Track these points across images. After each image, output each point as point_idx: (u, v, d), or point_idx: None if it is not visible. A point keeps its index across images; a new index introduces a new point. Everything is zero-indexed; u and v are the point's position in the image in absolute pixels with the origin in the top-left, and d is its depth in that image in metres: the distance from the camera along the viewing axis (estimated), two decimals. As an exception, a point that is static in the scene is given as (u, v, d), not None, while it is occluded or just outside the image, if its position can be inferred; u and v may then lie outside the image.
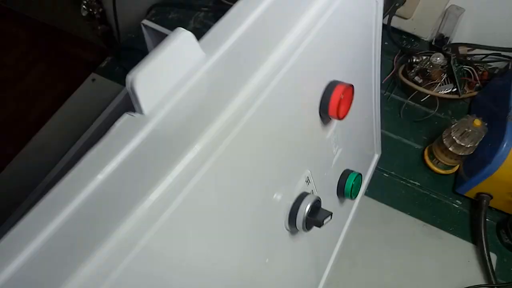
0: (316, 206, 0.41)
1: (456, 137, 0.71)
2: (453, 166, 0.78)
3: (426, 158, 0.80)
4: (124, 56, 0.90)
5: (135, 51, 0.90)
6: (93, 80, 0.87)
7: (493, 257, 0.70)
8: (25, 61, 1.53)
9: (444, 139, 0.73)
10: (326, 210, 0.42)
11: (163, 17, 0.96)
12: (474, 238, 0.73)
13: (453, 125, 0.72)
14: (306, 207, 0.40)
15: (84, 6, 0.88)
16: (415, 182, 0.79)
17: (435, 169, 0.79)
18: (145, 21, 0.64)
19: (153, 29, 0.66)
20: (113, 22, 0.95)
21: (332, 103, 0.40)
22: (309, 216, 0.40)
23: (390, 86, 0.89)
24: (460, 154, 0.72)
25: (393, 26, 0.92)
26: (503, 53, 0.85)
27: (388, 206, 0.76)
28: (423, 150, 0.81)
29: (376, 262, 0.70)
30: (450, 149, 0.72)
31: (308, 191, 0.44)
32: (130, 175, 0.26)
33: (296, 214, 0.40)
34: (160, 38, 0.63)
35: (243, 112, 0.30)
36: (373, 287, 0.68)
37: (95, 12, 0.90)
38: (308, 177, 0.44)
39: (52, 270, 0.22)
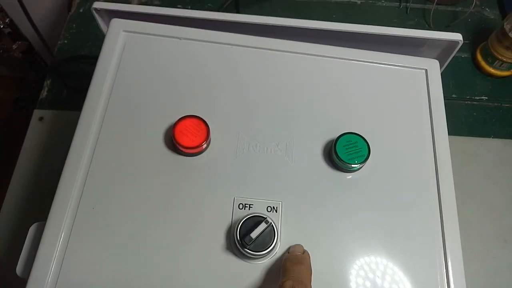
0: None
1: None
2: (518, 63, 0.64)
3: (483, 64, 0.65)
4: (64, 71, 0.66)
5: (73, 61, 0.66)
6: (40, 119, 0.62)
7: None
8: None
9: (509, 32, 0.58)
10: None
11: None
12: None
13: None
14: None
15: (-19, 23, 0.61)
16: (482, 97, 0.64)
17: (498, 73, 0.65)
18: (97, 4, 0.42)
19: (108, 11, 0.44)
20: (31, 32, 0.69)
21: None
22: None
23: (404, -4, 0.73)
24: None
25: None
26: None
27: (466, 137, 0.61)
28: (474, 58, 0.67)
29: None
30: (521, 41, 0.58)
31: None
32: None
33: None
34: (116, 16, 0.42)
35: None
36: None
37: (1, 26, 0.64)
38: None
39: None
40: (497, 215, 0.57)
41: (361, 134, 0.38)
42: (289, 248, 0.35)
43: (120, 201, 0.36)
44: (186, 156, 0.38)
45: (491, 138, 0.61)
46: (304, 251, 0.34)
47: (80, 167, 0.37)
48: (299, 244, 0.35)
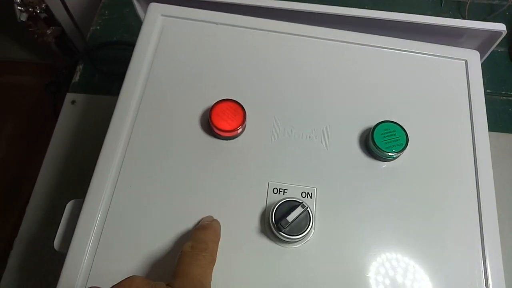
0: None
1: None
2: (557, 58, 0.62)
3: (521, 59, 0.63)
4: (96, 56, 0.67)
5: (106, 47, 0.67)
6: (73, 102, 0.63)
7: None
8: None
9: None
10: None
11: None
12: None
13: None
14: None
15: (19, 7, 0.63)
16: (519, 92, 0.63)
17: (536, 68, 0.63)
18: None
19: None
20: (65, 17, 0.71)
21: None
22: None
23: (438, -12, 0.71)
24: None
25: None
26: None
27: (501, 133, 0.59)
28: (511, 52, 0.65)
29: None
30: None
31: None
32: None
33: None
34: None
35: None
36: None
37: (38, 11, 0.65)
38: None
39: None
40: (531, 213, 0.55)
41: (399, 123, 0.38)
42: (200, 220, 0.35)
43: (157, 181, 0.36)
44: (222, 139, 0.38)
45: (528, 135, 0.60)
46: (213, 220, 0.35)
47: (118, 147, 0.37)
48: (209, 216, 0.35)
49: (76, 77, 0.66)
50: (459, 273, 0.35)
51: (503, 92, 0.63)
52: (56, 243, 0.37)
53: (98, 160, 0.37)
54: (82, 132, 0.61)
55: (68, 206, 0.39)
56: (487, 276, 0.35)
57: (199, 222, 0.35)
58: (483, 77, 0.64)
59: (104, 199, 0.36)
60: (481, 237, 0.36)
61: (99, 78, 0.66)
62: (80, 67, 0.67)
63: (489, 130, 0.59)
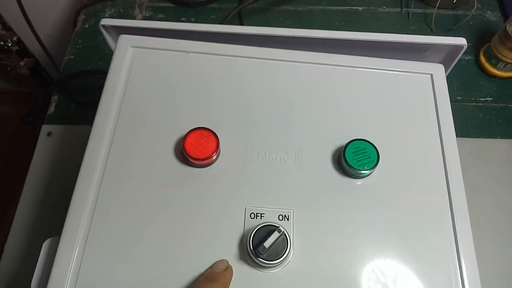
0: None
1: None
2: (521, 63, 0.64)
3: (487, 65, 0.65)
4: (71, 86, 0.67)
5: (80, 76, 0.67)
6: (49, 134, 0.63)
7: None
8: None
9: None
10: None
11: (103, 16, 0.73)
12: None
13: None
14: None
15: (-10, 42, 0.62)
16: (487, 98, 0.65)
17: (502, 74, 0.65)
18: (104, 21, 0.43)
19: (115, 27, 0.44)
20: (37, 48, 0.70)
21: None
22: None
23: (405, 1, 0.73)
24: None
25: None
26: None
27: (473, 139, 0.61)
28: (478, 59, 0.67)
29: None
30: (524, 42, 0.58)
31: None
32: None
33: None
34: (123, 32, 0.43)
35: None
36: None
37: (9, 44, 0.65)
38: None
39: None
40: (508, 215, 0.56)
41: (370, 140, 0.38)
42: (213, 264, 0.34)
43: (133, 214, 0.36)
44: (197, 167, 0.38)
45: (498, 139, 0.61)
46: (227, 267, 0.33)
47: (93, 181, 0.37)
48: (223, 260, 0.34)
49: (52, 108, 0.66)
50: (438, 281, 0.35)
51: (473, 98, 0.65)
52: (34, 283, 0.37)
53: (73, 195, 0.37)
54: (59, 164, 0.61)
55: (45, 245, 0.38)
56: (463, 282, 0.35)
57: (212, 265, 0.34)
58: (452, 85, 0.66)
59: (80, 236, 0.35)
60: (455, 245, 0.37)
61: (75, 108, 0.66)
62: (55, 98, 0.67)
63: (461, 136, 0.61)
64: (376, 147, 0.38)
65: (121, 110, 0.41)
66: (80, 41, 0.72)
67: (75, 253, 0.35)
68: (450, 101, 0.43)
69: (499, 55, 0.63)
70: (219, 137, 0.38)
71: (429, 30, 0.71)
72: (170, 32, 0.46)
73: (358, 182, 0.39)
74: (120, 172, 0.38)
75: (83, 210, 0.36)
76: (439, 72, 0.44)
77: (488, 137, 0.61)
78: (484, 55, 0.66)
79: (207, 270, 0.34)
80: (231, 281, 0.33)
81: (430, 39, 0.45)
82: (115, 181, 0.37)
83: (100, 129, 0.40)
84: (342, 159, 0.37)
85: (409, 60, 0.46)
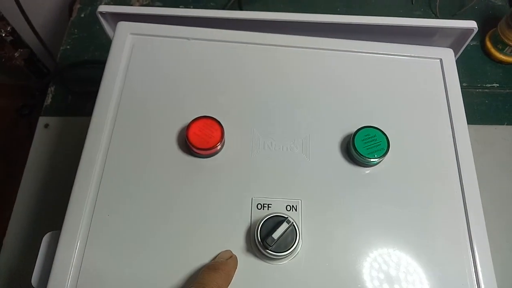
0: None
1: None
2: (528, 48, 0.63)
3: (493, 51, 0.64)
4: (68, 77, 0.65)
5: (77, 66, 0.65)
6: (46, 126, 0.61)
7: None
8: None
9: (520, 18, 0.57)
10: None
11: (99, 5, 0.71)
12: None
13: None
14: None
15: (-17, 32, 0.60)
16: (493, 84, 0.63)
17: (509, 59, 0.63)
18: (102, 7, 0.42)
19: (112, 14, 0.43)
20: (32, 39, 0.68)
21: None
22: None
23: (408, -14, 0.71)
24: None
25: None
26: None
27: (480, 125, 0.60)
28: (484, 45, 0.66)
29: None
30: (532, 26, 0.57)
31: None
32: None
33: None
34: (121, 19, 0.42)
35: None
36: None
37: (3, 35, 0.63)
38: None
39: None
40: (515, 203, 0.56)
41: (379, 128, 0.37)
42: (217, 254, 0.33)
43: (136, 206, 0.35)
44: (201, 157, 0.37)
45: (504, 125, 0.60)
46: (231, 256, 0.33)
47: (93, 174, 0.36)
48: (227, 250, 0.33)
49: (48, 100, 0.64)
50: (451, 273, 0.34)
51: (479, 85, 0.63)
52: (34, 279, 0.35)
53: (73, 188, 0.36)
54: (57, 156, 0.59)
55: (45, 239, 0.37)
56: (477, 273, 0.35)
57: (216, 256, 0.33)
58: (458, 72, 0.65)
59: (81, 230, 0.34)
60: (468, 235, 0.36)
61: (72, 99, 0.64)
62: (52, 89, 0.65)
63: (468, 124, 0.60)
64: (386, 134, 0.37)
65: (121, 100, 0.39)
66: (76, 30, 0.70)
67: (76, 247, 0.34)
68: (458, 87, 0.42)
69: (506, 40, 0.61)
70: (224, 126, 0.37)
71: (434, 15, 0.69)
72: (170, 19, 0.44)
73: (367, 170, 0.37)
74: (122, 164, 0.36)
75: (84, 203, 0.35)
76: (449, 56, 0.43)
77: (495, 124, 0.60)
78: (490, 40, 0.65)
79: (211, 260, 0.33)
80: (235, 270, 0.33)
81: (439, 23, 0.44)
82: (116, 173, 0.36)
83: (100, 119, 0.38)
84: (351, 146, 0.36)
85: (417, 45, 0.45)
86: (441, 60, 0.43)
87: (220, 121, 0.37)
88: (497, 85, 0.63)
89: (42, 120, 0.62)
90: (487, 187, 0.57)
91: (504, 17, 0.61)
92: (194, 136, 0.36)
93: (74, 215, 0.35)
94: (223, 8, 0.68)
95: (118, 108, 0.39)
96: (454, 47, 0.46)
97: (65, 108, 0.64)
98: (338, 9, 0.70)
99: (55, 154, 0.60)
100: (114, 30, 0.44)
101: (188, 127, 0.36)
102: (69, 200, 0.35)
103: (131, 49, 0.42)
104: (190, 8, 0.70)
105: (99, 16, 0.43)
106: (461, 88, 0.62)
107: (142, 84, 0.40)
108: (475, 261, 0.35)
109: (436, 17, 0.69)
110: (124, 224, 0.34)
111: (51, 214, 0.55)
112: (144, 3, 0.71)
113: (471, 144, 0.60)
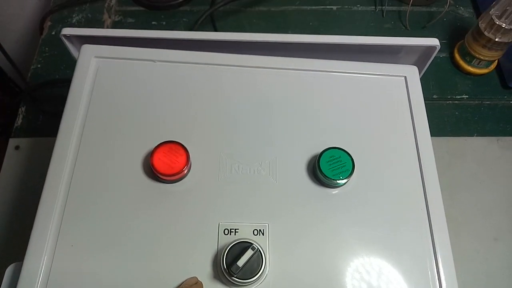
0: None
1: (501, 21, 0.57)
2: (494, 61, 0.64)
3: (461, 63, 0.65)
4: (39, 96, 0.64)
5: (48, 86, 0.64)
6: (17, 147, 0.60)
7: None
8: None
9: (485, 31, 0.59)
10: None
11: (70, 22, 0.70)
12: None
13: (491, 10, 0.57)
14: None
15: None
16: (463, 96, 0.65)
17: (477, 71, 0.65)
18: (66, 30, 0.41)
19: (78, 37, 0.42)
20: (1, 58, 0.67)
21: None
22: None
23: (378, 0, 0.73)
24: (508, 41, 0.58)
25: None
26: None
27: (450, 137, 0.61)
28: (453, 57, 0.67)
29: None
30: (497, 39, 0.58)
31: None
32: None
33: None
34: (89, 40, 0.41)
35: None
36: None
37: (-31, 55, 0.62)
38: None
39: None
40: (486, 213, 0.57)
41: (344, 148, 0.38)
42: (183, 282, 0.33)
43: (100, 236, 0.34)
44: (167, 183, 0.37)
45: (474, 137, 0.62)
46: (196, 283, 0.33)
47: (56, 204, 0.35)
48: (193, 277, 0.33)
49: (19, 121, 0.63)
50: (416, 283, 0.35)
51: (449, 97, 0.65)
52: (-3, 313, 0.35)
53: (35, 218, 0.35)
54: (28, 179, 0.58)
55: (8, 271, 0.36)
56: (441, 284, 0.35)
57: (182, 283, 0.33)
58: (428, 84, 0.66)
59: (44, 261, 0.33)
60: (433, 246, 0.36)
61: (44, 120, 0.63)
62: (22, 109, 0.64)
63: (438, 135, 0.61)
64: (351, 155, 0.37)
65: (86, 125, 0.39)
66: (47, 48, 0.69)
67: (39, 280, 0.33)
68: (426, 100, 0.43)
69: (472, 52, 0.63)
70: (189, 150, 0.37)
71: (404, 28, 0.70)
72: (139, 40, 0.44)
73: (334, 191, 0.38)
74: (86, 192, 0.36)
75: (47, 234, 0.34)
76: (413, 74, 0.44)
77: (465, 135, 0.61)
78: (459, 52, 0.66)
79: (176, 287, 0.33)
80: None
81: (402, 41, 0.44)
82: (80, 202, 0.36)
83: (64, 145, 0.38)
84: (317, 169, 0.36)
85: (383, 61, 0.45)
86: (405, 77, 0.44)
87: (186, 146, 0.37)
88: (467, 96, 0.65)
89: (12, 142, 0.61)
90: (458, 198, 0.58)
91: (470, 30, 0.63)
92: (159, 162, 0.35)
93: (36, 246, 0.34)
94: (195, 24, 0.68)
95: (82, 134, 0.38)
96: (420, 63, 0.47)
97: (37, 129, 0.63)
98: (311, 23, 0.71)
99: (26, 177, 0.58)
100: (79, 52, 0.43)
101: (152, 152, 0.36)
102: (32, 230, 0.35)
103: (96, 72, 0.41)
104: (162, 24, 0.70)
105: (64, 39, 0.43)
106: (432, 100, 0.64)
107: (107, 108, 0.40)
108: (439, 273, 0.35)
109: (406, 29, 0.70)
110: (89, 254, 0.34)
111: (21, 238, 0.54)
112: (116, 20, 0.70)
113: (442, 156, 0.61)
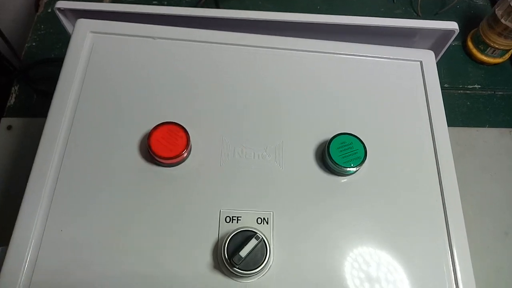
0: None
1: (520, 9, 0.54)
2: (509, 50, 0.62)
3: (474, 52, 0.63)
4: (33, 75, 0.61)
5: (43, 64, 0.62)
6: (9, 127, 0.58)
7: None
8: None
9: (502, 18, 0.56)
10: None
11: None
12: None
13: (510, -4, 0.55)
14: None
15: None
16: (475, 86, 0.62)
17: (491, 60, 0.62)
18: (60, 3, 0.38)
19: (73, 11, 0.40)
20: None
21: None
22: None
23: (389, -16, 0.69)
24: (526, 29, 0.56)
25: None
26: None
27: (461, 128, 0.59)
28: (465, 45, 0.64)
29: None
30: (514, 27, 0.56)
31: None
32: None
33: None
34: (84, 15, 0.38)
35: None
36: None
37: (-40, 30, 0.59)
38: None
39: None
40: (496, 207, 0.54)
41: (356, 134, 0.35)
42: None
43: (92, 222, 0.32)
44: (165, 167, 0.34)
45: (486, 128, 0.59)
46: None
47: (45, 187, 0.33)
48: None
49: (12, 100, 0.60)
50: (430, 278, 0.33)
51: (460, 86, 0.62)
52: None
53: (23, 201, 0.33)
54: (20, 160, 0.56)
55: (-5, 255, 0.34)
56: (457, 278, 0.33)
57: None
58: (439, 72, 0.63)
59: (31, 247, 0.31)
60: (449, 242, 0.34)
61: (38, 99, 0.61)
62: (15, 88, 0.61)
63: (449, 126, 0.59)
64: (363, 141, 0.35)
65: (79, 104, 0.36)
66: (42, 26, 0.66)
67: (25, 264, 0.30)
68: (439, 90, 0.40)
69: (487, 41, 0.60)
70: (190, 132, 0.34)
71: (415, 14, 0.67)
72: (138, 16, 0.41)
73: (344, 179, 0.35)
74: (77, 174, 0.33)
75: (35, 217, 0.32)
76: (429, 59, 0.41)
77: (476, 126, 0.59)
78: (472, 40, 0.63)
79: None
80: None
81: (419, 23, 0.42)
82: (71, 184, 0.33)
83: (55, 125, 0.35)
84: (326, 155, 0.34)
85: (397, 45, 0.43)
86: (421, 62, 0.41)
87: (186, 127, 0.34)
88: (479, 86, 0.62)
89: (4, 122, 0.59)
90: (468, 190, 0.55)
91: (486, 17, 0.60)
92: (156, 144, 0.33)
93: (23, 230, 0.32)
94: (198, 4, 0.65)
95: (75, 113, 0.36)
96: (435, 48, 0.44)
97: (30, 109, 0.60)
98: (318, 7, 0.68)
99: (18, 158, 0.56)
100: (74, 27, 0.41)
101: (150, 134, 0.33)
102: (19, 213, 0.32)
103: (91, 48, 0.39)
104: (164, 3, 0.67)
105: (58, 12, 0.40)
106: (443, 90, 0.61)
107: (102, 87, 0.37)
108: (455, 265, 0.33)
109: (418, 16, 0.67)
110: (78, 242, 0.31)
111: (13, 223, 0.52)
112: (115, -3, 0.67)
113: (452, 147, 0.59)
